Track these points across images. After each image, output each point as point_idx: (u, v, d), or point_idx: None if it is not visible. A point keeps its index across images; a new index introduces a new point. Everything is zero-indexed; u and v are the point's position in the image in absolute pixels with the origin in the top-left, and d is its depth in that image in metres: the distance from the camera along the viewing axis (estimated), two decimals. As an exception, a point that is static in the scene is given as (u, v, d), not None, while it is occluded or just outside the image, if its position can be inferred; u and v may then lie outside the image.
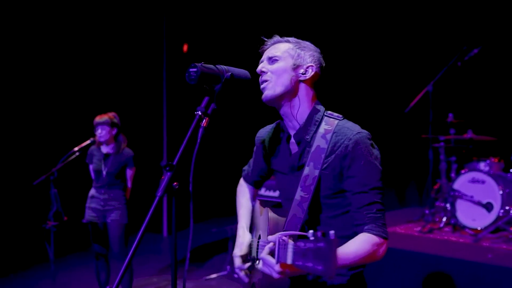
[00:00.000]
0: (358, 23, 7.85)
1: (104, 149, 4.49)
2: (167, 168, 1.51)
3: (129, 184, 4.56)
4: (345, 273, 1.83)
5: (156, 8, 7.84)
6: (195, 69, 1.62)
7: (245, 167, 2.28)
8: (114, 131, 4.44)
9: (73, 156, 4.54)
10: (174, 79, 8.02)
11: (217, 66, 1.69)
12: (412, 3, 7.41)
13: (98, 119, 4.40)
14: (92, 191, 4.51)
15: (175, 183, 1.53)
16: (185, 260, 1.68)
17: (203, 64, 1.64)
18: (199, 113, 1.60)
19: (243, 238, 2.04)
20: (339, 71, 7.68)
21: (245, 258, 2.00)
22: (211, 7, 8.17)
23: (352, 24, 7.86)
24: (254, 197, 2.24)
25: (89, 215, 4.47)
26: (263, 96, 1.83)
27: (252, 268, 1.99)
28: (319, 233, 1.28)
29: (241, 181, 2.31)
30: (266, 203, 2.07)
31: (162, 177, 1.52)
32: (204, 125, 1.59)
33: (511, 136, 5.85)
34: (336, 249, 1.24)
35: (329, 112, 1.87)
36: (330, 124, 1.81)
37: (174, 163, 1.53)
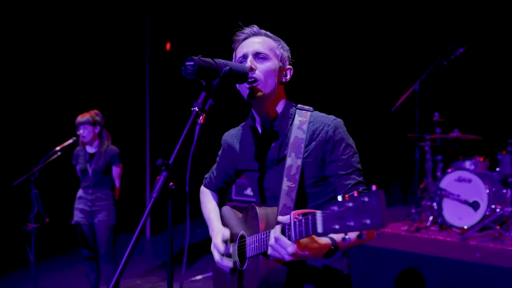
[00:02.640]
0: (345, 22, 7.84)
1: (89, 149, 4.40)
2: (163, 168, 1.42)
3: (117, 183, 4.46)
4: (334, 263, 1.84)
5: (139, 5, 7.74)
6: (191, 63, 1.54)
7: (207, 175, 2.26)
8: (97, 130, 4.35)
9: (55, 156, 4.42)
10: (157, 77, 7.93)
11: (214, 59, 1.61)
12: (398, 2, 7.43)
13: (79, 118, 4.30)
14: (80, 192, 4.41)
15: (171, 183, 1.45)
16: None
17: (200, 58, 1.55)
18: (196, 109, 1.51)
19: (223, 229, 2.00)
20: (326, 70, 7.68)
21: (228, 244, 1.96)
22: (194, 4, 8.10)
23: (340, 23, 7.85)
24: (219, 203, 2.22)
25: (77, 216, 4.37)
26: (249, 94, 1.79)
27: (234, 272, 1.92)
28: (354, 193, 1.23)
29: (203, 188, 2.29)
30: (245, 203, 2.01)
31: (158, 177, 1.44)
32: (201, 121, 1.51)
33: (497, 135, 5.89)
34: (384, 199, 1.18)
35: (300, 105, 1.92)
36: (304, 115, 1.86)
37: (170, 162, 1.45)
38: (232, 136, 2.08)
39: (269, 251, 1.56)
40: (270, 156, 1.87)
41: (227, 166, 2.12)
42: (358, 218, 1.20)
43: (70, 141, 4.46)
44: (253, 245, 1.76)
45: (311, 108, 1.90)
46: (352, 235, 1.26)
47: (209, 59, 1.59)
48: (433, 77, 5.88)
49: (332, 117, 1.83)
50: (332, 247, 1.54)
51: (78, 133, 4.33)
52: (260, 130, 1.93)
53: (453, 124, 5.80)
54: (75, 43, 7.14)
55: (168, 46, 8.36)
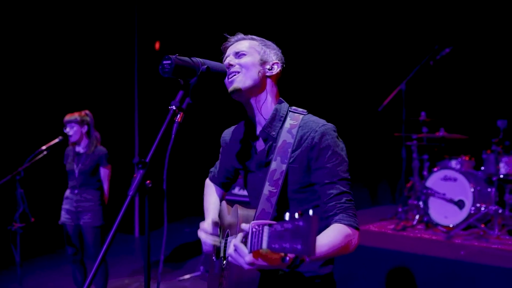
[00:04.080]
0: (333, 22, 7.88)
1: (77, 149, 4.36)
2: (140, 166, 1.42)
3: (105, 186, 4.39)
4: (315, 270, 1.81)
5: (128, 4, 7.71)
6: (169, 62, 1.54)
7: (212, 169, 2.27)
8: (85, 129, 4.31)
9: (41, 155, 4.39)
10: (145, 77, 7.90)
11: (192, 58, 1.61)
12: (385, 3, 7.47)
13: (67, 117, 4.27)
14: (67, 192, 4.38)
15: (148, 181, 1.45)
16: (159, 262, 1.60)
17: (177, 56, 1.56)
18: (174, 107, 1.52)
19: (213, 216, 2.04)
20: (313, 69, 7.70)
21: (217, 227, 1.99)
22: (183, 3, 8.09)
23: (327, 23, 7.89)
24: (222, 198, 2.22)
25: (63, 216, 4.34)
26: (232, 87, 1.79)
27: (219, 269, 1.94)
28: (296, 214, 1.21)
29: (208, 181, 2.29)
30: (235, 202, 2.02)
31: (134, 175, 1.44)
32: (179, 120, 1.51)
33: (482, 134, 5.94)
34: (316, 227, 1.16)
35: (294, 107, 1.88)
36: (295, 119, 1.81)
37: (147, 160, 1.45)
38: (229, 133, 2.08)
39: (229, 258, 1.53)
40: (259, 158, 1.86)
41: (227, 164, 2.10)
42: (292, 241, 1.18)
43: (56, 140, 4.43)
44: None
45: (305, 111, 1.86)
46: (289, 258, 1.24)
47: (186, 58, 1.59)
48: (419, 77, 5.93)
49: (322, 122, 1.78)
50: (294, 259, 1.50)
51: (65, 131, 4.30)
52: (251, 130, 1.91)
53: (439, 123, 5.84)
54: (63, 42, 7.11)
55: (157, 45, 8.34)
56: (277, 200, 1.74)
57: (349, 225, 1.65)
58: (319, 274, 1.82)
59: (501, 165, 5.17)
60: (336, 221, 1.66)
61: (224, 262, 1.87)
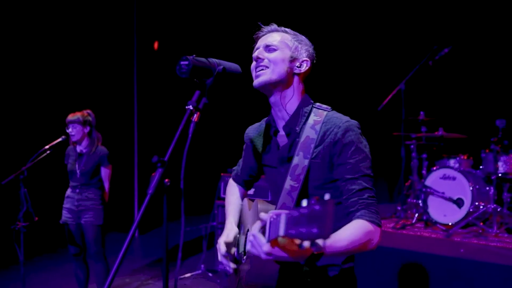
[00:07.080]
0: (331, 22, 7.91)
1: (78, 148, 4.38)
2: (159, 164, 1.45)
3: (106, 185, 4.42)
4: (337, 266, 1.83)
5: (127, 4, 7.72)
6: (186, 62, 1.56)
7: (234, 167, 2.28)
8: (87, 129, 4.33)
9: (44, 155, 4.39)
10: (145, 77, 7.92)
11: (208, 59, 1.63)
12: (385, 3, 7.51)
13: (70, 117, 4.29)
14: (68, 191, 4.40)
15: (166, 180, 1.48)
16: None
17: (194, 57, 1.58)
18: (190, 107, 1.53)
19: (230, 229, 2.03)
20: (313, 69, 7.73)
21: (230, 246, 1.98)
22: (182, 3, 8.10)
23: (326, 23, 7.91)
24: (243, 196, 2.23)
25: (64, 215, 4.37)
26: (257, 81, 1.80)
27: (239, 263, 1.95)
28: (313, 199, 1.17)
29: (231, 181, 2.31)
30: (255, 197, 2.04)
31: (153, 174, 1.47)
32: (195, 120, 1.53)
33: (480, 134, 6.00)
34: (331, 210, 1.13)
35: (318, 104, 1.89)
36: (319, 115, 1.82)
37: (166, 159, 1.49)
38: (254, 130, 2.08)
39: (248, 246, 1.52)
40: (280, 154, 1.87)
41: (250, 161, 2.11)
42: (309, 226, 1.16)
43: (59, 139, 4.43)
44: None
45: (329, 107, 1.86)
46: (307, 243, 1.19)
47: (203, 59, 1.61)
48: (418, 76, 5.96)
49: (345, 118, 1.79)
50: (315, 253, 1.44)
51: (67, 131, 4.32)
52: (273, 126, 1.92)
53: (438, 123, 5.89)
54: (63, 42, 7.11)
55: (156, 45, 8.36)
56: (298, 194, 1.74)
57: (370, 221, 1.63)
58: (342, 269, 1.83)
59: (500, 164, 5.22)
60: (357, 217, 1.65)
61: (245, 257, 1.89)
